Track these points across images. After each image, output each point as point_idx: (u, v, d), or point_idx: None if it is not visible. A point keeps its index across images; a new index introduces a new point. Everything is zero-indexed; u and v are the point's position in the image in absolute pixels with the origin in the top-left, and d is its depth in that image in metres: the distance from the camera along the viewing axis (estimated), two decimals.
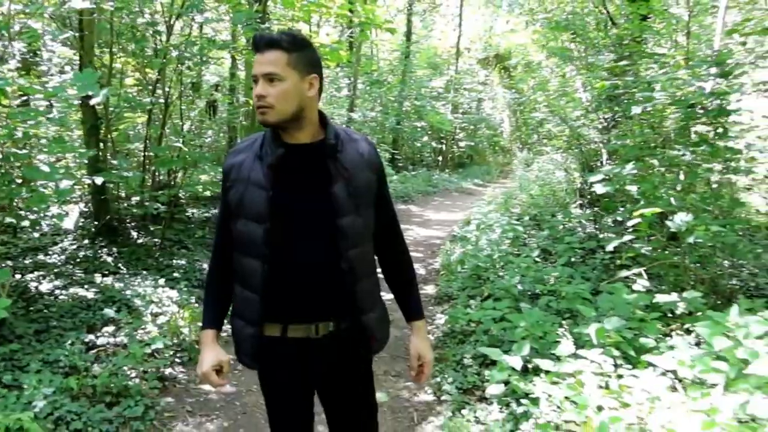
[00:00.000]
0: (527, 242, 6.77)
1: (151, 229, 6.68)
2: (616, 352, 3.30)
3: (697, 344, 3.29)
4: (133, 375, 3.51)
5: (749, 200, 6.73)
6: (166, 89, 6.50)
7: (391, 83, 18.34)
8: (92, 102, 4.42)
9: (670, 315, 3.90)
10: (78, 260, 5.55)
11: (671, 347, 3.03)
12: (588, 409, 2.62)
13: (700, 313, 3.55)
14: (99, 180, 4.80)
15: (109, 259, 5.64)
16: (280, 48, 1.58)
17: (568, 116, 7.95)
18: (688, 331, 3.56)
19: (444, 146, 20.88)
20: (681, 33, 10.34)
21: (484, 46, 24.36)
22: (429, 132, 19.68)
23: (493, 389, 3.27)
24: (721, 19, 8.81)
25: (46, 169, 3.85)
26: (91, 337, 3.97)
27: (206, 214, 8.33)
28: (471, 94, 22.36)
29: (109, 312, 4.28)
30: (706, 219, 4.04)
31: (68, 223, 4.03)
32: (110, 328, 4.08)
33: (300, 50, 1.61)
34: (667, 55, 7.54)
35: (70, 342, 3.78)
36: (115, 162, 5.83)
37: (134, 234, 6.49)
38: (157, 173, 6.97)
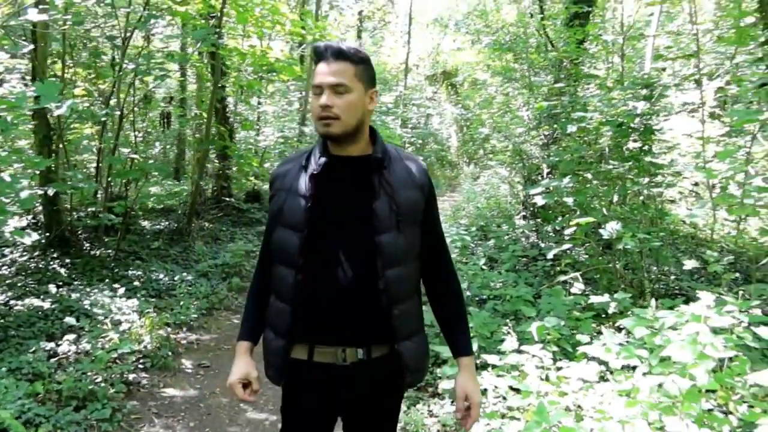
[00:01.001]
0: (475, 251, 7.14)
1: (105, 240, 6.67)
2: (555, 348, 3.64)
3: (627, 341, 3.67)
4: (98, 380, 3.59)
5: (674, 211, 7.33)
6: (120, 100, 6.56)
7: None
8: (56, 113, 4.47)
9: (603, 315, 4.29)
10: (30, 272, 5.52)
11: (604, 344, 3.38)
12: (531, 396, 2.92)
13: (629, 312, 3.94)
14: (51, 191, 4.83)
15: (62, 271, 5.63)
16: (349, 59, 1.56)
17: (511, 133, 8.42)
18: (619, 329, 3.94)
19: None
20: (616, 55, 11.09)
21: (432, 63, 25.04)
22: None
23: (445, 384, 3.54)
24: (650, 44, 9.54)
25: (7, 178, 3.89)
26: (52, 345, 4.01)
27: (157, 226, 8.33)
28: (419, 109, 22.92)
29: (71, 320, 4.33)
30: (635, 228, 4.47)
31: (30, 239, 4.03)
32: (71, 336, 4.12)
33: (365, 63, 1.60)
34: (601, 78, 8.11)
35: (32, 350, 3.83)
36: (69, 173, 5.83)
37: (87, 245, 6.47)
38: (111, 184, 6.97)
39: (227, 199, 9.95)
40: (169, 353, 4.28)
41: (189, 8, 7.12)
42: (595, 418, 2.68)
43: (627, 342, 3.31)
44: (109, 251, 6.42)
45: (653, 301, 3.09)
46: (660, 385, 2.52)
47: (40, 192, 5.58)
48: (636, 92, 5.39)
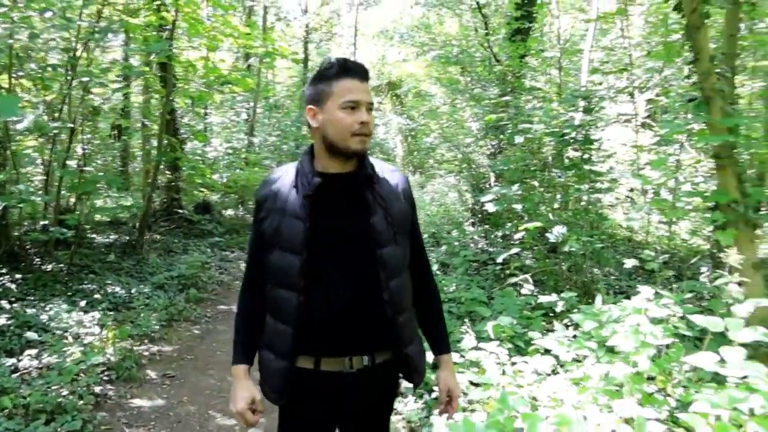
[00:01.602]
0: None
1: (56, 254, 6.53)
2: (510, 345, 3.90)
3: (574, 336, 3.97)
4: (65, 393, 3.59)
5: (613, 216, 7.82)
6: (71, 113, 6.46)
7: (289, 108, 18.67)
8: (19, 126, 4.42)
9: (551, 314, 4.59)
10: None
11: (557, 338, 3.66)
12: (491, 388, 3.15)
13: (575, 310, 4.25)
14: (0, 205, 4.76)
15: (13, 287, 5.50)
16: (368, 79, 1.63)
17: (459, 143, 8.75)
18: (567, 326, 4.24)
19: None
20: (554, 68, 11.68)
21: (377, 74, 25.37)
22: None
23: (409, 384, 3.72)
24: (586, 58, 10.12)
25: None
26: (13, 360, 3.96)
27: (108, 240, 8.20)
28: None
29: (32, 335, 4.28)
30: (578, 232, 4.81)
31: None
32: (32, 351, 4.08)
33: None
34: (543, 90, 8.57)
35: None
36: (21, 186, 5.71)
37: (37, 260, 6.33)
38: (60, 197, 6.84)
39: (179, 211, 9.86)
40: (134, 365, 4.29)
41: (140, 20, 7.09)
42: (549, 405, 2.93)
43: (576, 336, 3.61)
44: (61, 265, 6.31)
45: (599, 297, 3.39)
46: (607, 373, 2.80)
47: None
48: (575, 104, 5.79)
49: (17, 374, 3.83)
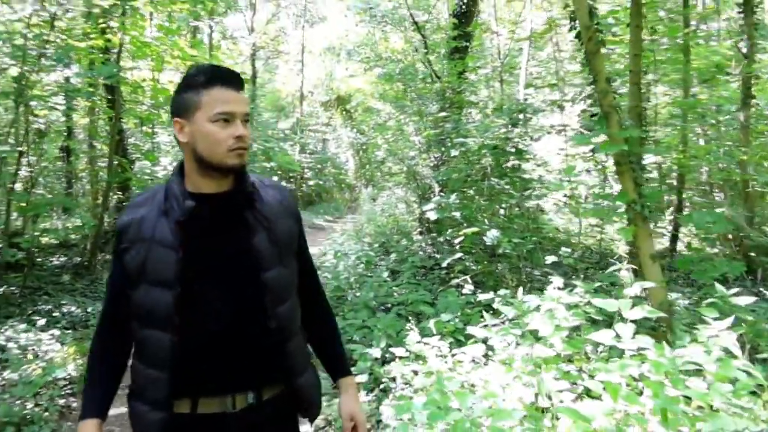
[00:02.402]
0: (378, 264, 7.75)
1: (6, 277, 6.57)
2: (451, 339, 4.28)
3: (503, 323, 4.39)
4: (30, 405, 3.75)
5: (552, 221, 8.39)
6: (18, 135, 6.56)
7: None
8: None
9: (489, 311, 5.01)
10: None
11: (485, 325, 4.07)
12: (432, 376, 3.51)
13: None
14: None
15: None
16: (243, 88, 1.47)
17: (404, 156, 9.20)
18: (498, 318, 4.67)
19: (294, 185, 21.67)
20: (497, 81, 12.32)
21: (326, 89, 25.77)
22: (279, 172, 20.36)
23: (360, 378, 4.06)
24: (524, 73, 10.76)
25: None
26: None
27: (57, 261, 8.22)
28: (316, 134, 23.52)
29: None
30: (511, 234, 5.27)
31: None
32: None
33: None
34: (480, 106, 9.11)
35: None
36: None
37: None
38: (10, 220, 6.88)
39: None
40: None
41: (85, 44, 7.24)
42: (481, 386, 3.31)
43: (503, 323, 4.03)
44: (12, 288, 6.36)
45: (520, 290, 3.81)
46: (528, 354, 3.20)
47: None
48: (513, 117, 6.29)
49: None
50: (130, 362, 1.57)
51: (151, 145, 12.88)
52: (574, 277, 4.75)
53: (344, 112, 25.50)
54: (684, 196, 7.83)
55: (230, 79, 1.43)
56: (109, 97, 8.42)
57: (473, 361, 3.79)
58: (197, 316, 1.42)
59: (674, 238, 7.79)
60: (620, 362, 2.64)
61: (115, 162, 8.13)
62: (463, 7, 9.23)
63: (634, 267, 3.34)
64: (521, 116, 6.37)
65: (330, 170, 24.87)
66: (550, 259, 3.99)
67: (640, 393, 2.66)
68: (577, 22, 3.72)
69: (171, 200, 1.46)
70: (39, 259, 8.05)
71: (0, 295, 6.06)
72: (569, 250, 3.95)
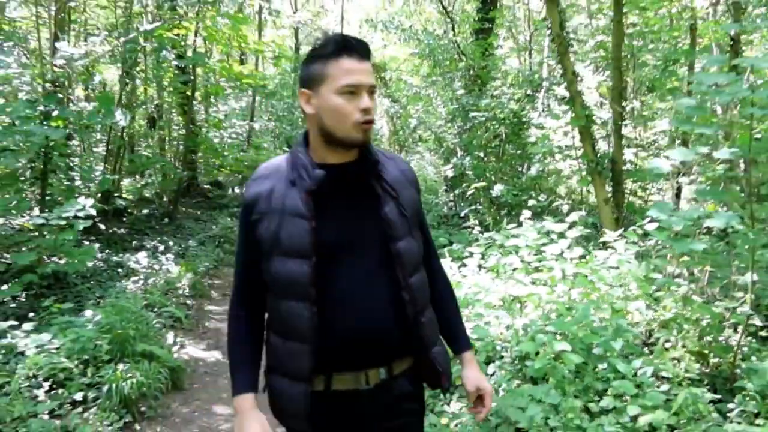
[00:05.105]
0: None
1: (114, 221, 8.37)
2: (459, 262, 5.83)
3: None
4: (172, 298, 5.48)
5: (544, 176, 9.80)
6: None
7: (282, 96, 20.39)
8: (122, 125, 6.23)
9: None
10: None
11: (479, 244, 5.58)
12: None
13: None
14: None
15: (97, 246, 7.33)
16: (371, 58, 1.44)
17: (433, 124, 10.65)
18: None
19: None
20: (527, 51, 13.46)
21: None
22: None
23: None
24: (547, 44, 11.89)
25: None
26: (128, 283, 5.82)
27: (145, 211, 10.04)
28: None
29: (135, 266, 6.15)
30: (511, 189, 6.76)
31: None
32: (135, 278, 5.94)
33: None
34: (501, 77, 10.39)
35: (114, 287, 5.65)
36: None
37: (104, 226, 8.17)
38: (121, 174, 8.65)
39: (207, 186, 11.81)
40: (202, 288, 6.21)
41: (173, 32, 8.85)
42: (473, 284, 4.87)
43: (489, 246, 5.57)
44: (122, 230, 8.16)
45: (504, 222, 5.33)
46: (505, 263, 4.74)
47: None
48: (531, 88, 7.68)
49: (133, 288, 5.69)
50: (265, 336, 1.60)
51: (213, 114, 14.68)
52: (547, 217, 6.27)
53: (379, 80, 26.77)
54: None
55: (358, 48, 1.41)
56: (182, 75, 10.10)
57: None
58: (331, 287, 1.44)
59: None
60: (560, 261, 4.15)
61: (191, 128, 9.84)
62: None
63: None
64: (534, 89, 7.76)
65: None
66: (530, 202, 5.49)
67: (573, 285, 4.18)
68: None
69: (299, 170, 1.46)
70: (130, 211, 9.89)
71: (119, 234, 7.86)
72: (542, 198, 5.43)
